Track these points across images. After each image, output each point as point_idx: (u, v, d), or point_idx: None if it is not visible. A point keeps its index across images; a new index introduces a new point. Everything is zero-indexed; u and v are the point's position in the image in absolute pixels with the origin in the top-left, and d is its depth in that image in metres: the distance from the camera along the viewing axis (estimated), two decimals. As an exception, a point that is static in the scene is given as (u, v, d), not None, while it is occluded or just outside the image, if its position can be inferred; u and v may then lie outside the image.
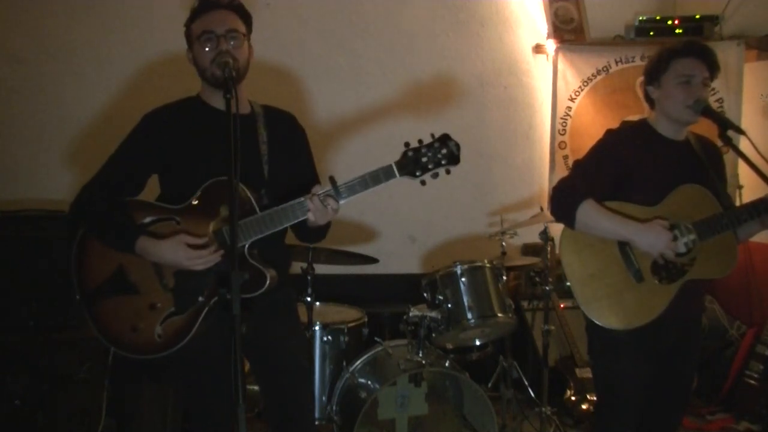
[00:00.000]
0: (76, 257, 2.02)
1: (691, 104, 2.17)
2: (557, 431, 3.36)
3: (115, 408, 3.04)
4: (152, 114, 2.08)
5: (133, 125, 2.07)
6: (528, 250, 4.15)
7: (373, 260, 3.33)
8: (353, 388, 3.01)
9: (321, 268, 3.28)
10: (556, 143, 4.24)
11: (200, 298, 1.93)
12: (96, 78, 3.67)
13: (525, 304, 4.03)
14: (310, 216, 1.91)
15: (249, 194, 1.93)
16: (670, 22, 4.11)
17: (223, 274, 1.83)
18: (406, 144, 1.91)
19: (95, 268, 2.00)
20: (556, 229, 2.45)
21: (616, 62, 4.19)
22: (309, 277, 3.17)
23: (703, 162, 2.24)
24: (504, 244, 3.53)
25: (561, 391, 3.71)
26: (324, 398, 3.16)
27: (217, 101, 2.03)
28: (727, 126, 2.18)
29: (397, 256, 4.10)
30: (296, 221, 1.92)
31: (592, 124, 4.17)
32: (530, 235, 3.83)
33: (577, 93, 4.21)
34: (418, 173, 1.90)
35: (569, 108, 4.22)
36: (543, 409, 3.33)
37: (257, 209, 1.92)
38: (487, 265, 3.13)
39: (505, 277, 3.17)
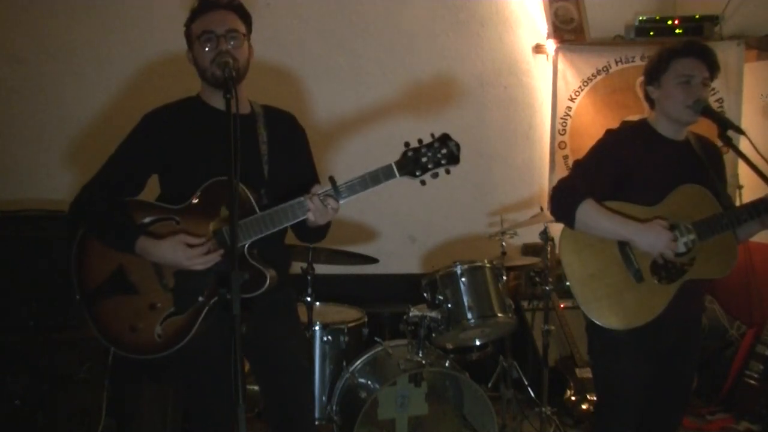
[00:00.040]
0: (76, 257, 2.02)
1: (691, 104, 2.17)
2: (557, 431, 3.36)
3: (115, 408, 3.04)
4: (152, 114, 2.08)
5: (133, 125, 2.07)
6: (528, 250, 4.15)
7: (373, 260, 3.33)
8: (353, 388, 3.01)
9: (321, 268, 3.28)
10: (556, 143, 4.24)
11: (200, 298, 1.93)
12: (96, 78, 3.67)
13: (525, 304, 4.03)
14: (311, 216, 1.91)
15: (249, 194, 1.93)
16: (670, 22, 4.11)
17: (223, 274, 1.83)
18: (406, 144, 1.91)
19: (95, 268, 2.00)
20: (556, 229, 2.44)
21: (616, 62, 4.19)
22: (309, 277, 3.17)
23: (703, 162, 2.24)
24: (504, 244, 3.53)
25: (561, 391, 3.71)
26: (324, 398, 3.16)
27: (217, 101, 2.03)
28: (727, 126, 2.18)
29: (397, 256, 4.11)
30: (296, 221, 1.92)
31: (592, 124, 4.17)
32: (530, 235, 3.83)
33: (577, 93, 4.21)
34: (418, 173, 1.90)
35: (569, 108, 4.22)
36: (543, 409, 3.33)
37: (257, 209, 1.92)
38: (487, 265, 3.13)
39: (505, 277, 3.17)
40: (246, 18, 2.05)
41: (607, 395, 2.35)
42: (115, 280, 1.97)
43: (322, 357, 3.19)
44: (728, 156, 2.45)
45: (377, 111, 4.04)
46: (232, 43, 1.97)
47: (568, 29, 4.21)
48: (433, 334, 3.03)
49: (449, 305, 3.03)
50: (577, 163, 2.33)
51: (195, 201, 1.96)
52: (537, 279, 3.51)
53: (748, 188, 3.73)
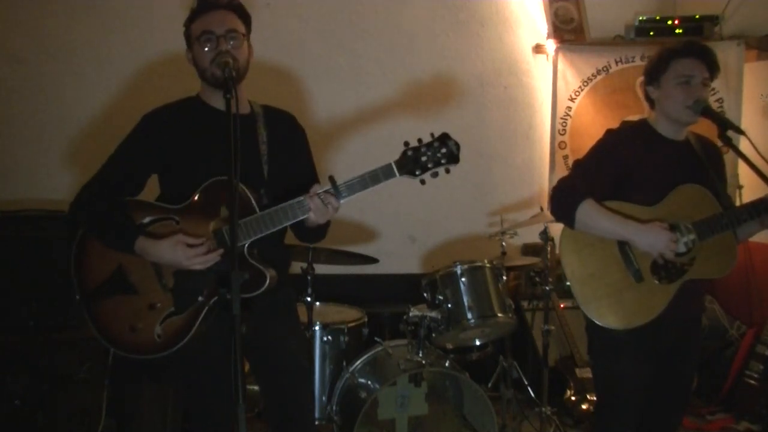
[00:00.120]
0: (75, 257, 2.02)
1: (691, 104, 2.17)
2: (557, 431, 3.36)
3: (115, 408, 3.04)
4: (152, 114, 2.08)
5: (133, 125, 2.07)
6: (528, 250, 4.15)
7: (373, 260, 3.33)
8: (353, 388, 3.01)
9: (321, 268, 3.28)
10: (556, 143, 4.24)
11: (200, 298, 1.93)
12: (96, 78, 3.68)
13: (525, 304, 4.03)
14: (312, 215, 1.91)
15: (249, 194, 1.93)
16: (670, 22, 4.11)
17: (222, 273, 1.83)
18: (406, 143, 1.91)
19: (95, 268, 2.00)
20: (556, 229, 2.45)
21: (616, 62, 4.19)
22: (309, 277, 3.17)
23: (703, 162, 2.24)
24: (504, 244, 3.53)
25: (561, 391, 3.71)
26: (324, 398, 3.16)
27: (216, 101, 2.03)
28: (726, 126, 2.18)
29: (397, 256, 4.10)
30: (296, 220, 1.92)
31: (592, 124, 4.17)
32: (530, 235, 3.83)
33: (577, 93, 4.21)
34: (417, 172, 1.90)
35: (569, 108, 4.22)
36: (543, 409, 3.33)
37: (257, 209, 1.92)
38: (487, 265, 3.13)
39: (505, 277, 3.17)
40: (245, 18, 2.05)
41: (607, 395, 2.35)
42: (114, 280, 1.97)
43: (322, 357, 3.19)
44: (728, 156, 2.45)
45: (377, 111, 4.04)
46: (231, 43, 1.97)
47: (568, 29, 4.21)
48: (433, 334, 3.03)
49: (449, 305, 3.03)
50: (577, 163, 2.33)
51: (195, 201, 1.96)
52: (537, 279, 3.51)
53: (748, 188, 3.73)
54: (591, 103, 4.21)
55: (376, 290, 3.94)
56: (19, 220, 3.04)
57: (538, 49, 4.28)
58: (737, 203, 2.86)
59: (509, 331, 3.30)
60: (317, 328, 3.16)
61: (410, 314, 3.00)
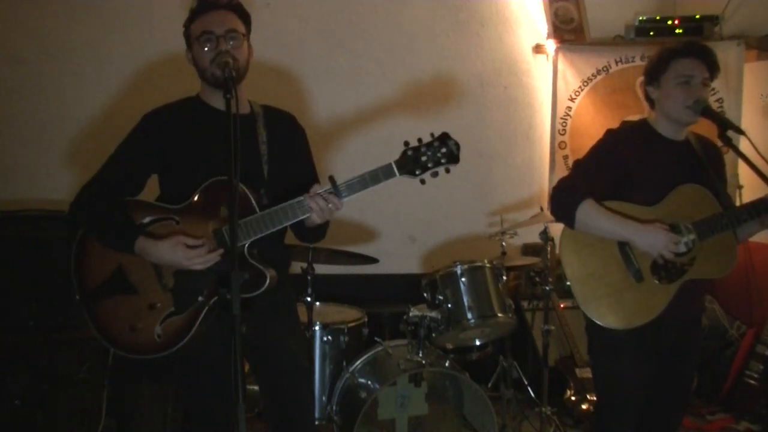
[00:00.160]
0: (75, 257, 2.02)
1: (691, 104, 2.17)
2: (557, 431, 3.36)
3: (115, 408, 3.04)
4: (152, 114, 2.08)
5: (133, 125, 2.07)
6: (528, 250, 4.15)
7: (373, 260, 3.33)
8: (353, 388, 3.01)
9: (321, 268, 3.28)
10: (556, 143, 4.24)
11: (200, 298, 1.93)
12: (96, 78, 3.68)
13: (525, 304, 4.03)
14: (313, 216, 1.91)
15: (249, 194, 1.92)
16: (670, 22, 4.11)
17: (222, 273, 1.83)
18: (406, 143, 1.91)
19: (95, 268, 2.00)
20: (556, 229, 2.45)
21: (616, 62, 4.19)
22: (309, 277, 3.17)
23: (703, 162, 2.24)
24: (504, 244, 3.53)
25: (561, 391, 3.71)
26: (324, 398, 3.15)
27: (216, 101, 2.03)
28: (726, 126, 2.18)
29: (397, 256, 4.10)
30: (296, 220, 1.92)
31: (592, 124, 4.17)
32: (530, 235, 3.83)
33: (577, 93, 4.21)
34: (417, 172, 1.90)
35: (569, 108, 4.22)
36: (543, 409, 3.33)
37: (257, 209, 1.92)
38: (487, 265, 3.13)
39: (505, 277, 3.17)
40: (245, 18, 2.05)
41: (607, 395, 2.35)
42: (114, 280, 1.97)
43: (322, 357, 3.19)
44: (728, 156, 2.45)
45: (377, 111, 4.04)
46: (231, 43, 1.97)
47: (568, 29, 4.21)
48: (433, 334, 3.03)
49: (449, 305, 3.03)
50: (577, 162, 2.33)
51: (195, 201, 1.96)
52: (537, 279, 3.51)
53: (748, 188, 3.73)
54: (591, 103, 4.21)
55: (376, 290, 3.94)
56: (19, 220, 3.04)
57: (538, 49, 4.28)
58: (737, 203, 2.86)
59: (509, 331, 3.30)
60: (317, 328, 3.16)
61: (410, 314, 3.00)
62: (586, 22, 4.22)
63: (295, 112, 2.26)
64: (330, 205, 1.90)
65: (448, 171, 1.93)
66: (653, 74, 2.26)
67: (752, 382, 3.70)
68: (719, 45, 3.91)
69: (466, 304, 3.02)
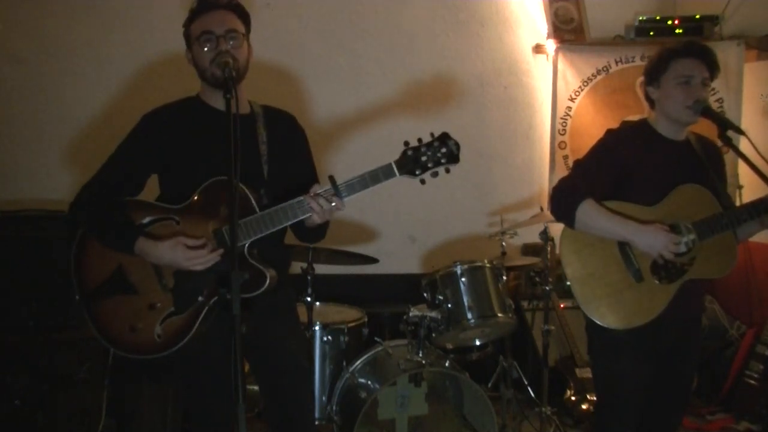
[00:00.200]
0: (75, 257, 2.02)
1: (691, 105, 2.17)
2: (557, 431, 3.36)
3: (115, 408, 3.04)
4: (152, 114, 2.08)
5: (133, 125, 2.07)
6: (528, 250, 4.15)
7: (373, 260, 3.33)
8: (353, 388, 3.01)
9: (321, 268, 3.28)
10: (556, 143, 4.24)
11: (200, 298, 1.93)
12: (96, 78, 3.68)
13: (525, 304, 4.03)
14: (314, 216, 1.91)
15: (249, 194, 1.92)
16: (670, 22, 4.11)
17: (222, 273, 1.82)
18: (406, 143, 1.91)
19: (95, 268, 2.00)
20: (556, 229, 2.45)
21: (616, 62, 4.19)
22: (309, 277, 3.17)
23: (703, 162, 2.24)
24: (504, 244, 3.53)
25: (561, 391, 3.71)
26: (324, 398, 3.15)
27: (216, 101, 2.03)
28: (726, 126, 2.18)
29: (397, 256, 4.10)
30: (296, 220, 1.92)
31: (592, 124, 4.17)
32: (530, 235, 3.83)
33: (577, 93, 4.21)
34: (417, 172, 1.90)
35: (569, 108, 4.22)
36: (543, 409, 3.33)
37: (257, 209, 1.92)
38: (487, 265, 3.13)
39: (505, 277, 3.17)
40: (245, 18, 2.05)
41: (607, 395, 2.35)
42: (114, 280, 1.97)
43: (322, 357, 3.19)
44: (728, 156, 2.45)
45: (377, 111, 4.04)
46: (231, 43, 1.97)
47: (568, 29, 4.21)
48: (433, 334, 3.03)
49: (449, 305, 3.03)
50: (577, 162, 2.33)
51: (195, 201, 1.96)
52: (537, 279, 3.50)
53: (748, 188, 3.73)
54: (591, 103, 4.21)
55: (376, 290, 3.93)
56: (19, 220, 3.04)
57: (538, 49, 4.28)
58: (737, 203, 2.86)
59: (509, 331, 3.30)
60: (317, 328, 3.16)
61: (410, 314, 3.00)
62: (586, 22, 4.22)
63: (295, 112, 2.26)
64: (332, 205, 1.90)
65: (448, 171, 1.93)
66: (653, 74, 2.26)
67: (752, 382, 3.70)
68: (719, 45, 3.91)
69: (466, 304, 3.02)
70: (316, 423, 3.09)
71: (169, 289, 1.94)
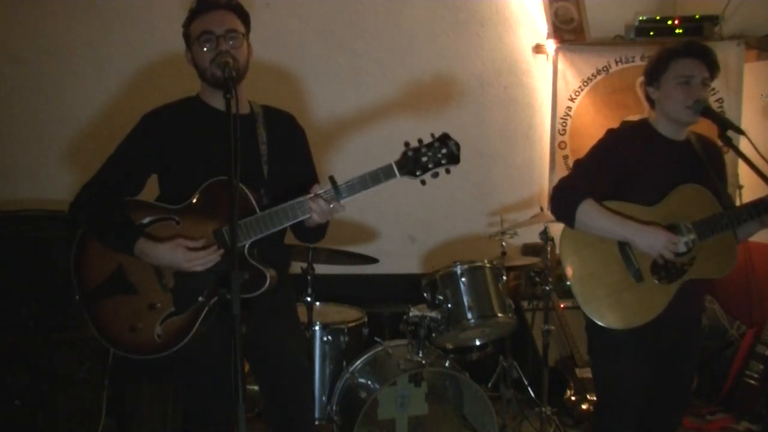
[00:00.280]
0: (75, 257, 2.02)
1: (691, 105, 2.17)
2: (557, 431, 3.36)
3: (115, 408, 3.04)
4: (152, 114, 2.08)
5: (133, 125, 2.07)
6: (528, 250, 4.15)
7: (373, 260, 3.33)
8: (353, 388, 3.01)
9: (321, 268, 3.28)
10: (556, 143, 4.24)
11: (200, 298, 1.93)
12: (96, 78, 3.68)
13: (525, 304, 4.03)
14: (314, 216, 1.91)
15: (249, 194, 1.92)
16: (670, 22, 4.11)
17: (223, 274, 1.82)
18: (406, 143, 1.91)
19: (95, 268, 2.00)
20: (556, 229, 2.45)
21: (616, 62, 4.19)
22: (309, 277, 3.17)
23: (704, 162, 2.24)
24: (504, 244, 3.53)
25: (561, 391, 3.71)
26: (324, 398, 3.15)
27: (216, 101, 2.03)
28: (726, 126, 2.18)
29: (397, 256, 4.10)
30: (296, 221, 1.92)
31: (592, 124, 4.17)
32: (530, 235, 3.83)
33: (577, 93, 4.21)
34: (418, 173, 1.90)
35: (569, 108, 4.22)
36: (543, 409, 3.33)
37: (257, 209, 1.92)
38: (487, 265, 3.13)
39: (505, 277, 3.17)
40: (244, 17, 2.05)
41: (607, 395, 2.35)
42: (114, 280, 1.97)
43: (322, 357, 3.19)
44: (728, 156, 2.45)
45: (377, 111, 4.04)
46: (231, 43, 1.97)
47: (568, 29, 4.20)
48: (433, 334, 3.03)
49: (449, 305, 3.03)
50: (577, 162, 2.33)
51: (195, 201, 1.96)
52: (537, 279, 3.50)
53: (748, 188, 3.73)
54: (591, 103, 4.21)
55: (376, 290, 3.93)
56: (19, 220, 3.04)
57: (538, 49, 4.28)
58: (737, 203, 2.86)
59: (509, 331, 3.30)
60: (317, 328, 3.16)
61: (410, 314, 3.00)
62: (586, 22, 4.22)
63: (295, 112, 2.26)
64: (332, 206, 1.90)
65: (448, 171, 1.93)
66: (653, 74, 2.26)
67: (752, 382, 3.70)
68: (719, 45, 3.91)
69: (466, 304, 3.02)
70: (316, 423, 3.09)
71: (169, 289, 1.94)
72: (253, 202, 1.92)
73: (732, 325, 4.02)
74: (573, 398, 3.66)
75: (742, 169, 3.59)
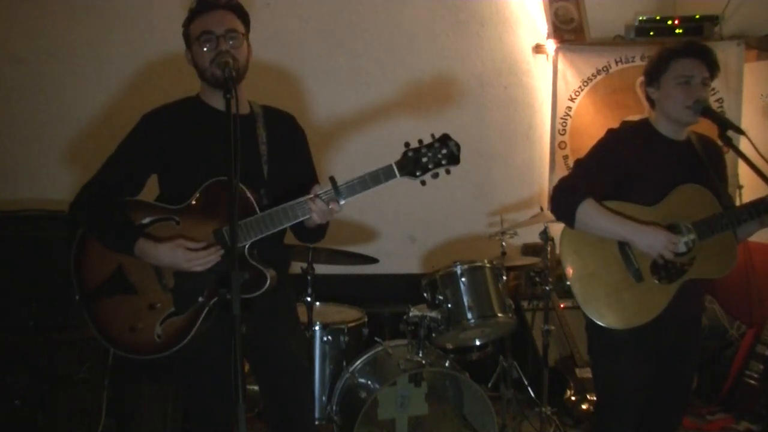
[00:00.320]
0: (75, 257, 2.02)
1: (691, 105, 2.17)
2: (557, 431, 3.36)
3: (115, 408, 3.04)
4: (151, 114, 2.08)
5: (133, 125, 2.07)
6: (528, 250, 4.15)
7: (373, 260, 3.33)
8: (353, 388, 3.01)
9: (321, 268, 3.28)
10: (556, 143, 4.24)
11: (200, 299, 1.93)
12: (96, 78, 3.68)
13: (525, 304, 4.03)
14: (314, 217, 1.91)
15: (249, 194, 1.92)
16: (670, 22, 4.11)
17: (223, 274, 1.82)
18: (406, 144, 1.91)
19: (95, 268, 2.00)
20: (556, 229, 2.45)
21: (616, 62, 4.19)
22: (309, 277, 3.17)
23: (704, 162, 2.24)
24: (504, 244, 3.53)
25: (561, 391, 3.71)
26: (324, 398, 3.16)
27: (216, 101, 2.03)
28: (726, 126, 2.18)
29: (397, 256, 4.10)
30: (296, 221, 1.92)
31: (592, 124, 4.17)
32: (530, 235, 3.83)
33: (577, 93, 4.21)
34: (418, 173, 1.90)
35: (569, 108, 4.22)
36: (543, 409, 3.33)
37: (257, 209, 1.92)
38: (487, 265, 3.13)
39: (505, 277, 3.17)
40: (244, 17, 2.05)
41: (607, 395, 2.35)
42: (114, 280, 1.97)
43: (322, 357, 3.19)
44: (728, 156, 2.45)
45: (377, 111, 4.04)
46: (231, 42, 1.97)
47: (568, 29, 4.21)
48: (433, 334, 3.03)
49: (449, 305, 3.03)
50: (578, 162, 2.33)
51: (195, 201, 1.96)
52: (537, 279, 3.51)
53: (748, 188, 3.73)
54: (591, 103, 4.21)
55: (376, 290, 3.93)
56: (19, 220, 3.04)
57: (538, 49, 4.28)
58: (737, 203, 2.86)
59: (509, 331, 3.30)
60: (317, 328, 3.16)
61: (410, 314, 3.00)
62: (586, 22, 4.22)
63: (295, 112, 2.26)
64: (330, 207, 1.90)
65: (448, 172, 1.93)
66: (653, 74, 2.26)
67: (752, 382, 3.70)
68: (719, 45, 3.91)
69: (466, 304, 3.02)
70: (316, 423, 3.09)
71: (170, 289, 1.94)
72: (253, 202, 1.92)
73: (732, 325, 4.02)
74: (573, 398, 3.66)
75: (742, 169, 3.59)
